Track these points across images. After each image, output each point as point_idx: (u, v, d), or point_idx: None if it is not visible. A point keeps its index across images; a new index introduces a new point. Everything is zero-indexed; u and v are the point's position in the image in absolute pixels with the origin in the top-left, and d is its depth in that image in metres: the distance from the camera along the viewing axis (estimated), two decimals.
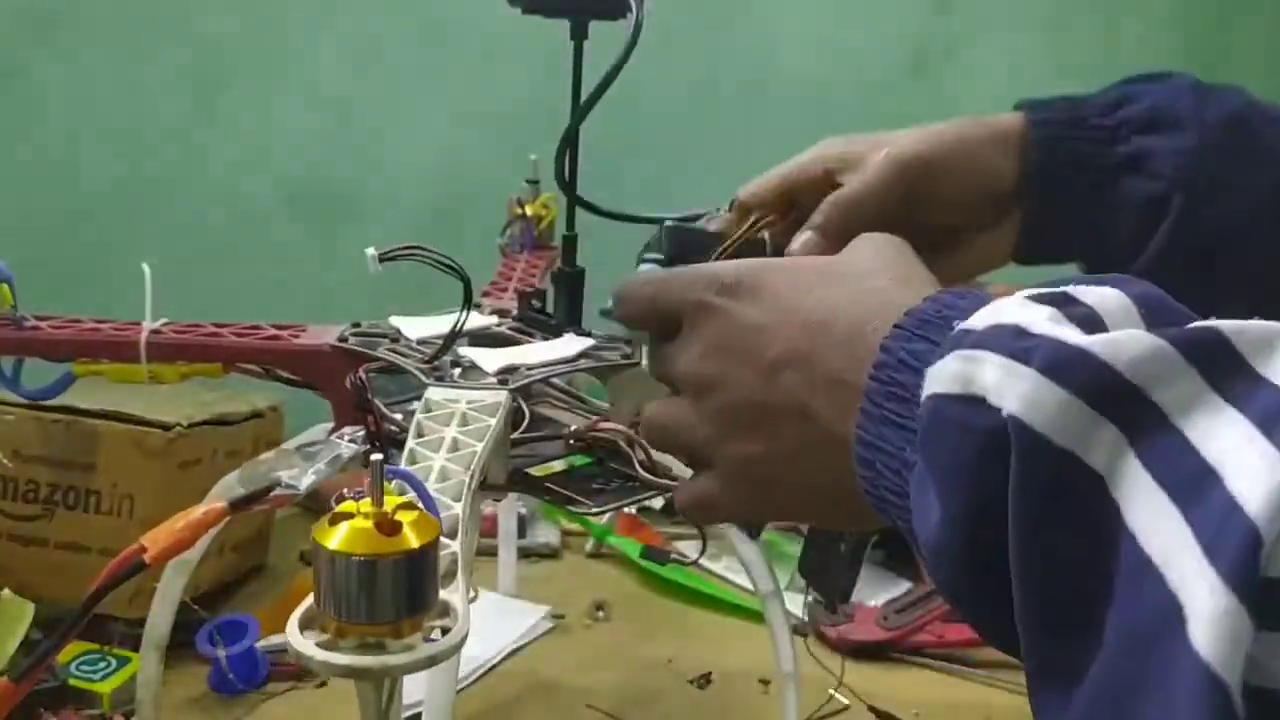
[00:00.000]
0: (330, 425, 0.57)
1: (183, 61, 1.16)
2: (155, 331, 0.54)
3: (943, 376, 0.30)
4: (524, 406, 0.59)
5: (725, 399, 0.40)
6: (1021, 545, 0.27)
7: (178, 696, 0.78)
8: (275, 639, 0.81)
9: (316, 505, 1.01)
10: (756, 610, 0.78)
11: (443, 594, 0.36)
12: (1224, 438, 0.25)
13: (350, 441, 0.48)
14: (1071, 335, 0.28)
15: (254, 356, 0.55)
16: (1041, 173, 0.54)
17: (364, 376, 0.54)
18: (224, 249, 1.19)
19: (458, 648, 0.34)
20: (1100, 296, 0.30)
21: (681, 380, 0.42)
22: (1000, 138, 0.54)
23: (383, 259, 0.52)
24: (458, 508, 0.41)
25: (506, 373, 0.55)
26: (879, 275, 0.39)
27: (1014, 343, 0.29)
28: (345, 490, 0.35)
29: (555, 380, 0.61)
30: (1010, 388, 0.28)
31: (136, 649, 0.65)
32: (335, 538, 0.33)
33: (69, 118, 1.13)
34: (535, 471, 0.56)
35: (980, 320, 0.31)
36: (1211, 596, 0.23)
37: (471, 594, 0.39)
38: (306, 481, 0.42)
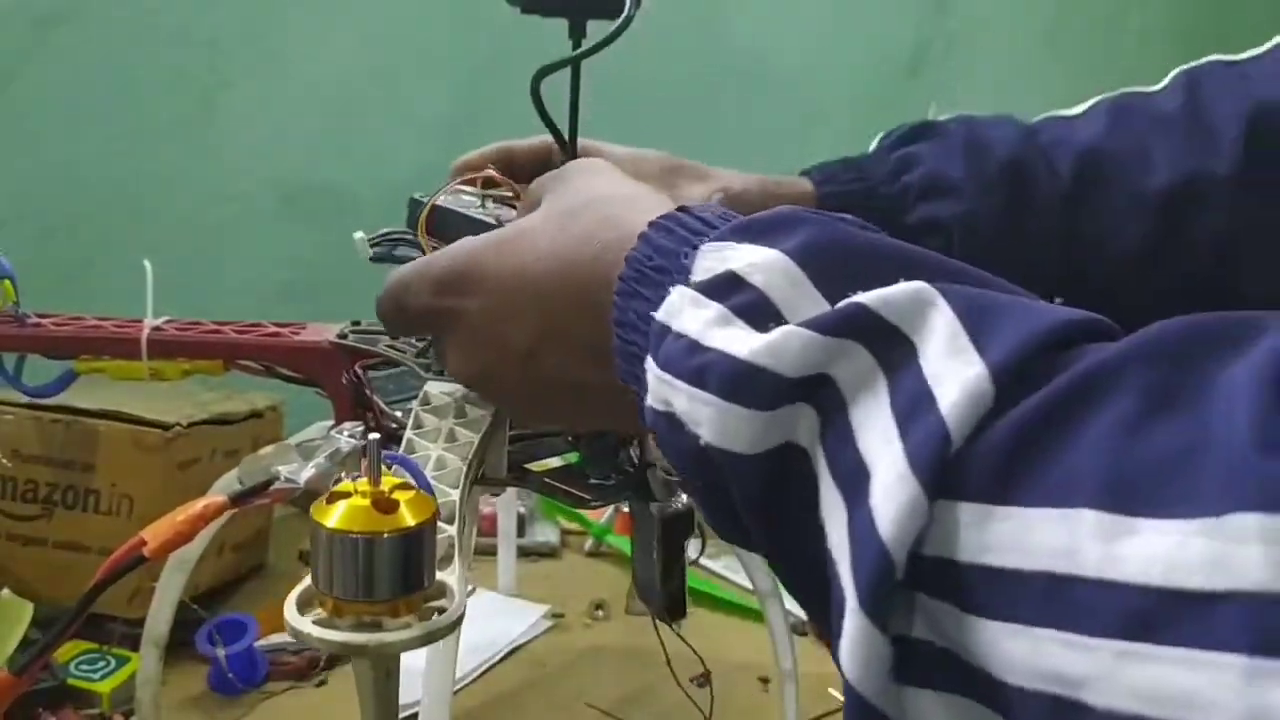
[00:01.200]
0: (329, 423, 0.57)
1: (183, 60, 1.16)
2: (156, 329, 0.54)
3: (650, 389, 0.32)
4: None
5: (503, 390, 0.41)
6: (762, 541, 0.29)
7: (177, 696, 0.78)
8: (275, 638, 0.81)
9: None
10: (756, 609, 0.78)
11: (440, 575, 0.36)
12: (873, 428, 0.25)
13: (350, 437, 0.48)
14: (739, 342, 0.28)
15: (254, 353, 0.55)
16: None
17: (360, 372, 0.54)
18: (225, 247, 1.19)
19: (454, 626, 0.35)
20: (767, 267, 0.30)
21: (461, 380, 0.44)
22: (801, 199, 0.58)
23: (372, 243, 0.53)
24: (454, 494, 0.41)
25: None
26: (594, 209, 0.39)
27: (690, 361, 0.30)
28: (343, 473, 0.35)
29: None
30: (699, 415, 0.29)
31: (136, 648, 0.65)
32: (333, 516, 0.33)
33: (70, 116, 1.13)
34: (533, 467, 0.56)
35: (667, 314, 0.31)
36: (851, 632, 0.24)
37: (469, 588, 0.39)
38: (306, 475, 0.42)
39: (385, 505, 0.33)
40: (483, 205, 0.52)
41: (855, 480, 0.25)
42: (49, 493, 0.84)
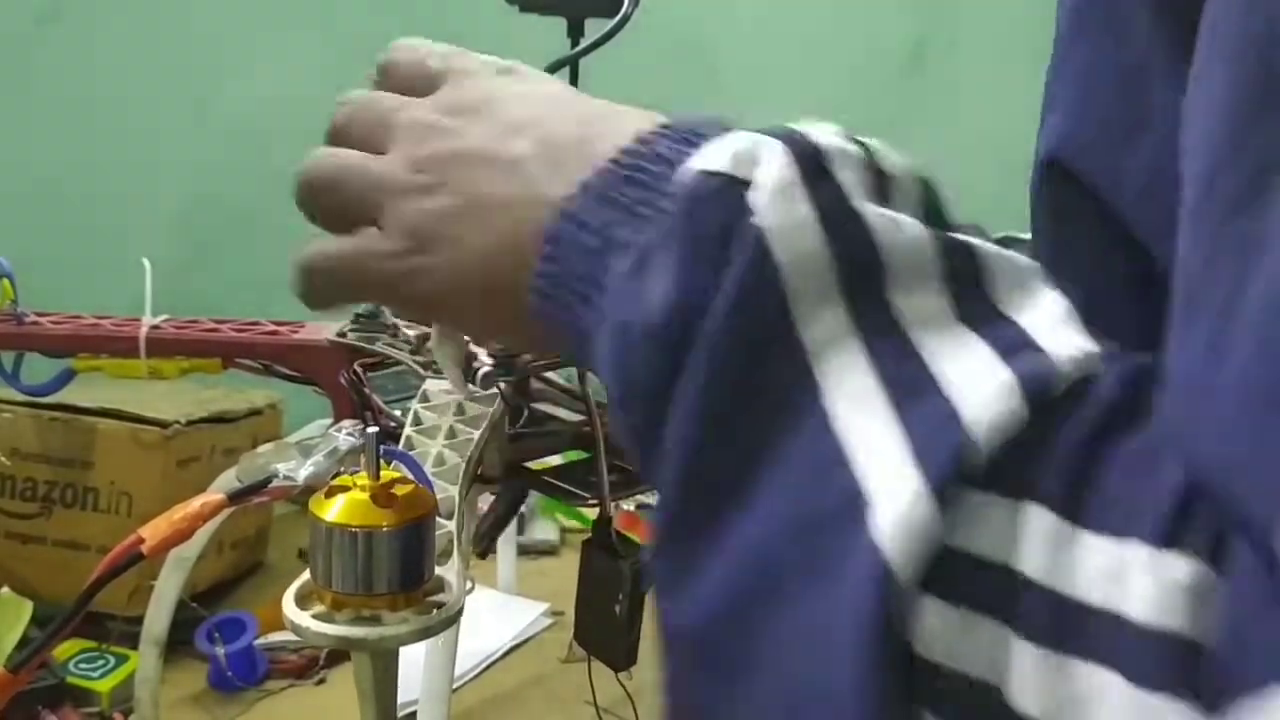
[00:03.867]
0: (328, 421, 0.57)
1: (181, 58, 1.16)
2: (155, 327, 0.54)
3: (720, 152, 0.27)
4: (523, 404, 0.59)
5: (446, 146, 0.35)
6: (704, 373, 0.25)
7: (176, 694, 0.78)
8: (274, 637, 0.81)
9: None
10: None
11: (439, 570, 0.36)
12: (955, 357, 0.24)
13: (349, 435, 0.48)
14: (858, 191, 0.26)
15: (253, 352, 0.55)
16: None
17: (359, 370, 0.54)
18: (223, 245, 1.19)
19: (453, 620, 0.35)
20: (895, 160, 0.28)
21: (402, 125, 0.36)
22: None
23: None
24: (454, 490, 0.41)
25: (504, 364, 0.55)
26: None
27: (808, 161, 0.26)
28: (342, 468, 0.35)
29: (556, 378, 0.61)
30: (776, 205, 0.26)
31: (135, 647, 0.65)
32: (332, 509, 0.33)
33: (68, 113, 1.13)
34: (532, 465, 0.56)
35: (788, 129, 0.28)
36: (906, 495, 0.22)
37: (469, 585, 0.39)
38: (304, 473, 0.42)
39: (384, 499, 0.33)
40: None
41: (915, 387, 0.24)
42: (48, 491, 0.84)
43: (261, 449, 0.47)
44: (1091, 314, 0.28)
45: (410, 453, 0.42)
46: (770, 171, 0.26)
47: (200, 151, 1.19)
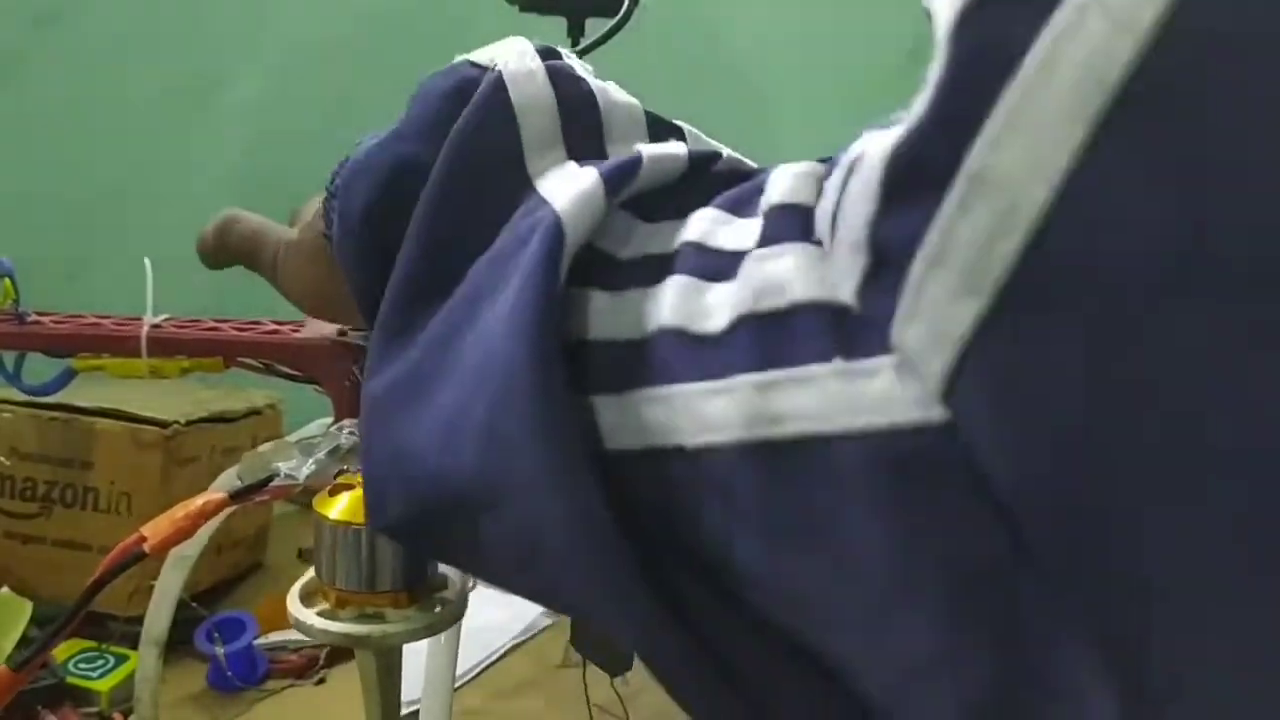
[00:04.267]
0: (329, 420, 0.57)
1: (181, 57, 1.16)
2: (156, 326, 0.54)
3: (472, 54, 0.32)
4: None
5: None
6: (434, 187, 0.28)
7: (176, 694, 0.78)
8: (274, 636, 0.81)
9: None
10: None
11: (442, 568, 0.36)
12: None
13: (350, 433, 0.48)
14: (583, 71, 0.31)
15: (254, 351, 0.55)
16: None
17: (361, 370, 0.54)
18: None
19: (456, 618, 0.35)
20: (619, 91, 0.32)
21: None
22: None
23: None
24: None
25: None
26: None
27: (544, 50, 0.31)
28: (346, 466, 0.35)
29: None
30: (514, 59, 0.30)
31: (135, 646, 0.65)
32: (336, 507, 0.33)
33: (69, 113, 1.13)
34: None
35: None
36: (582, 180, 0.25)
37: (471, 583, 0.39)
38: (306, 472, 0.42)
39: None
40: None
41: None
42: (48, 490, 0.84)
43: (263, 448, 0.47)
44: None
45: None
46: (513, 45, 0.31)
47: (200, 151, 1.19)
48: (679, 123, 0.32)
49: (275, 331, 0.55)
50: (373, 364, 0.29)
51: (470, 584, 0.38)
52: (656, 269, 0.24)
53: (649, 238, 0.25)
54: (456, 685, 0.73)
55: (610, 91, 0.30)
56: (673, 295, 0.23)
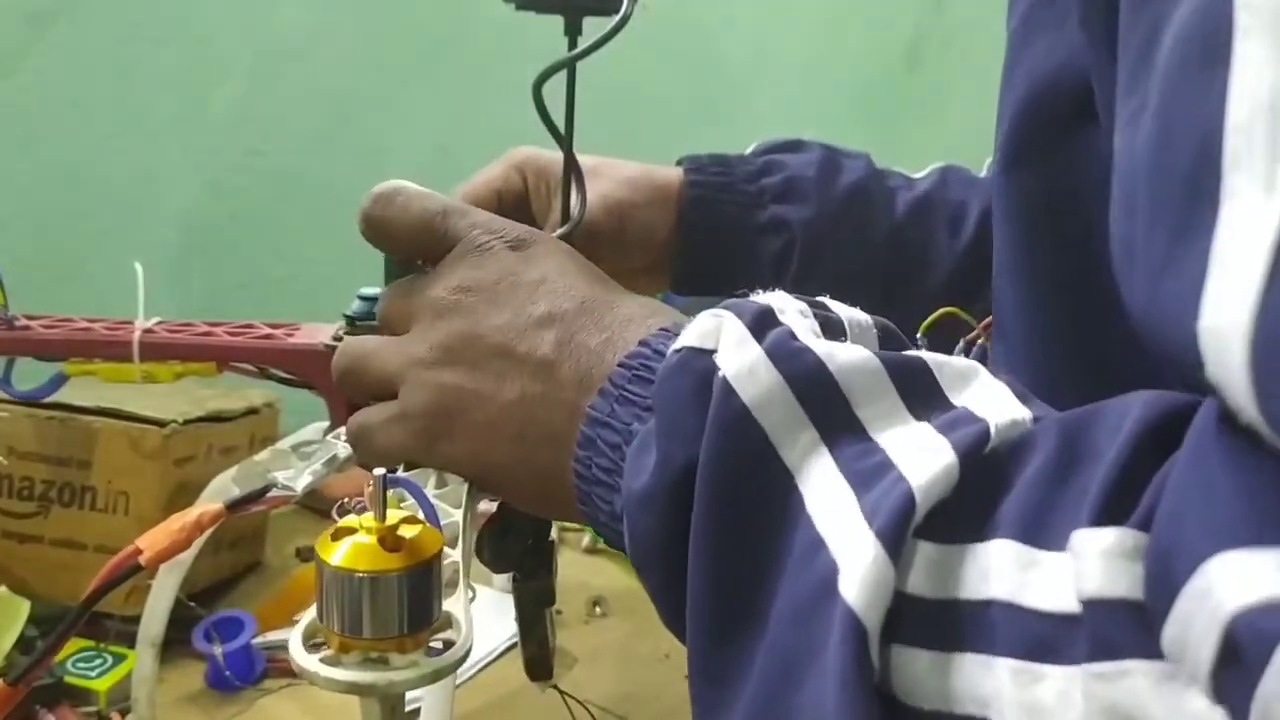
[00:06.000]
0: (326, 423, 0.57)
1: (177, 57, 1.15)
2: (148, 331, 0.54)
3: (692, 332, 0.32)
4: None
5: (465, 328, 0.38)
6: (703, 516, 0.28)
7: (174, 693, 0.78)
8: (271, 636, 0.81)
9: (313, 503, 1.01)
10: None
11: (445, 605, 0.36)
12: (906, 441, 0.27)
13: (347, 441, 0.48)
14: (805, 332, 0.30)
15: (247, 356, 0.55)
16: (695, 230, 0.63)
17: None
18: (218, 247, 1.19)
19: (461, 661, 0.35)
20: (850, 312, 0.33)
21: (426, 302, 0.40)
22: (663, 193, 0.63)
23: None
24: (457, 515, 0.41)
25: None
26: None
27: (758, 319, 0.31)
28: (347, 499, 0.35)
29: None
30: (731, 354, 0.30)
31: (132, 646, 0.65)
32: (338, 553, 0.33)
33: (64, 113, 1.12)
34: None
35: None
36: (861, 550, 0.25)
37: (470, 594, 0.39)
38: (303, 483, 0.42)
39: (392, 542, 0.33)
40: None
41: (873, 472, 0.27)
42: (45, 490, 0.83)
43: (259, 456, 0.47)
44: (1050, 304, 0.29)
45: (412, 474, 0.42)
46: (729, 330, 0.30)
47: (198, 153, 1.18)
48: (920, 354, 0.30)
49: (269, 336, 0.55)
50: (703, 715, 0.29)
51: (470, 595, 0.38)
52: (970, 629, 0.23)
53: (945, 570, 0.24)
54: (457, 685, 0.73)
55: (838, 354, 0.29)
56: (1008, 684, 0.22)
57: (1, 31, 1.08)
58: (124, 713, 0.74)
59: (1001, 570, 0.23)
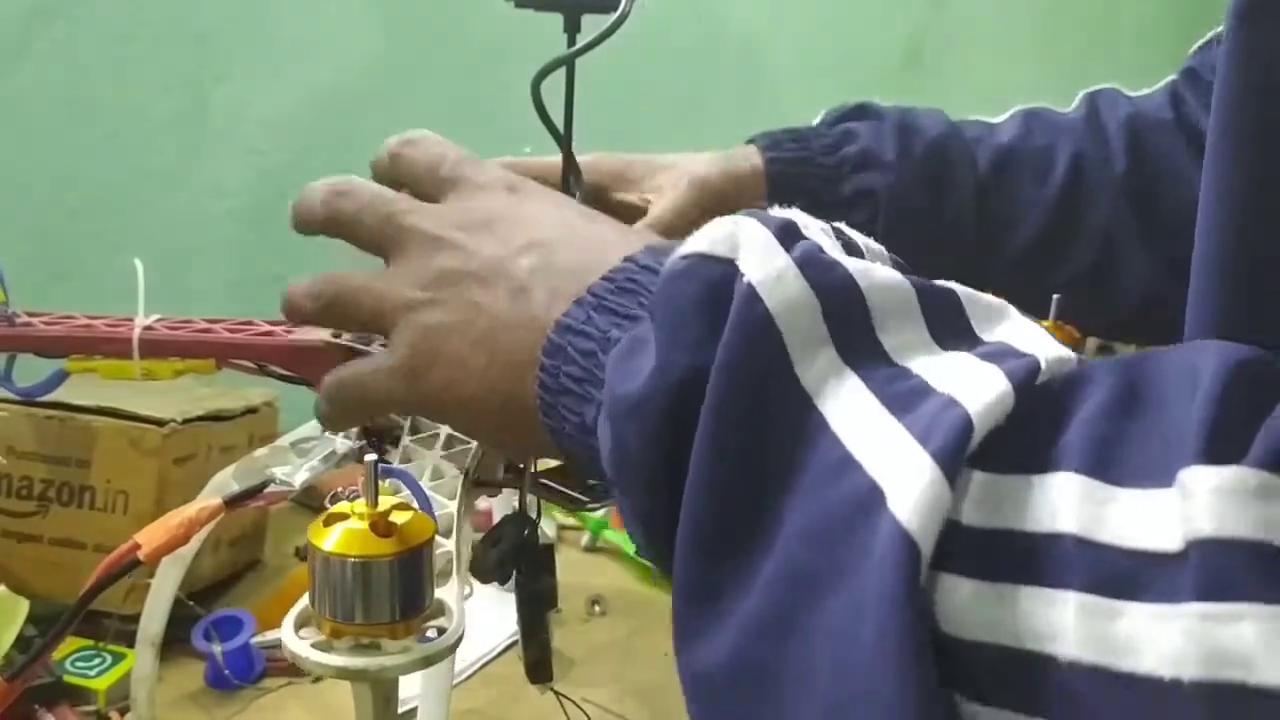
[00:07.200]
0: None
1: (176, 56, 1.16)
2: (148, 328, 0.54)
3: (702, 239, 0.30)
4: None
5: (453, 263, 0.37)
6: (710, 426, 0.26)
7: (173, 692, 0.78)
8: (271, 635, 0.81)
9: (311, 501, 1.01)
10: None
11: (438, 593, 0.36)
12: (947, 367, 0.26)
13: (345, 437, 0.48)
14: (832, 248, 0.29)
15: (247, 353, 0.54)
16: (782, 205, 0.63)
17: None
18: (218, 244, 1.19)
19: (453, 648, 0.34)
20: (866, 240, 0.32)
21: (412, 235, 0.39)
22: (755, 173, 0.63)
23: None
24: (452, 506, 0.41)
25: None
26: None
27: (783, 231, 0.29)
28: (340, 489, 0.35)
29: None
30: (759, 261, 0.28)
31: (132, 645, 0.65)
32: (330, 539, 0.33)
33: (62, 112, 1.12)
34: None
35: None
36: (916, 471, 0.23)
37: (467, 590, 0.39)
38: (301, 478, 0.42)
39: (383, 528, 0.33)
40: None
41: (910, 396, 0.25)
42: (44, 489, 0.83)
43: (258, 452, 0.47)
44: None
45: (407, 466, 0.42)
46: (754, 235, 0.28)
47: (196, 153, 1.18)
48: (952, 285, 0.29)
49: (269, 333, 0.55)
50: (685, 634, 0.28)
51: (467, 592, 0.38)
52: (1032, 562, 0.22)
53: (1003, 500, 0.23)
54: (455, 683, 0.73)
55: (873, 272, 0.28)
56: (1075, 619, 0.21)
57: (1, 31, 1.08)
58: (123, 712, 0.74)
59: (1069, 504, 0.22)
